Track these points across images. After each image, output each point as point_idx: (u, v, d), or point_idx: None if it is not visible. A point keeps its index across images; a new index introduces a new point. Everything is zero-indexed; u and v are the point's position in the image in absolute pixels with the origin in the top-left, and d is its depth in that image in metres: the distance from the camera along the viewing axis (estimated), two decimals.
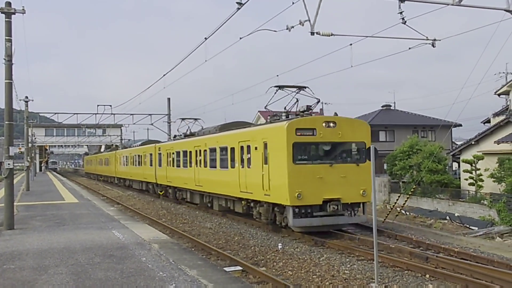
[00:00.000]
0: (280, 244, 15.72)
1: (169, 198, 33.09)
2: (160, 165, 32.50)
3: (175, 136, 32.68)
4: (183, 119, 31.17)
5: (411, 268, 12.09)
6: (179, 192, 29.43)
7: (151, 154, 35.35)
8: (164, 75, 29.24)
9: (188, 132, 29.84)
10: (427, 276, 11.49)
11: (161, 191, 34.00)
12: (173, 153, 29.28)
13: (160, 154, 32.73)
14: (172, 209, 27.86)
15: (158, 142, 38.31)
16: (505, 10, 13.37)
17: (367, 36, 16.33)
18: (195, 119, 31.19)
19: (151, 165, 35.14)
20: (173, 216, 24.71)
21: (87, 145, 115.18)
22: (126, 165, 45.90)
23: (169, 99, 54.45)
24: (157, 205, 29.98)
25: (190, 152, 25.91)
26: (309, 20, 13.33)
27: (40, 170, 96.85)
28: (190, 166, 25.73)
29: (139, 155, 39.91)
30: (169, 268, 10.28)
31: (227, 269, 11.77)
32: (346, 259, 13.48)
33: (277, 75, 26.68)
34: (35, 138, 76.37)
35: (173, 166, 29.24)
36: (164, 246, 13.02)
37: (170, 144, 30.97)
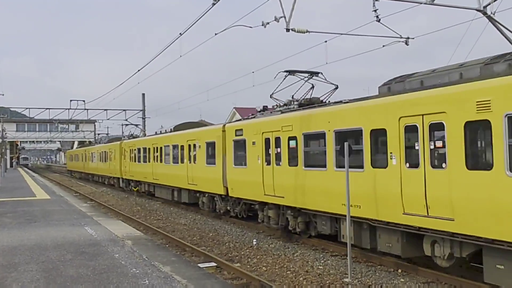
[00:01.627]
0: (255, 240, 15.74)
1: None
2: (242, 163, 17.62)
3: (264, 108, 17.73)
4: (289, 72, 16.55)
5: (383, 263, 12.23)
6: (302, 215, 14.84)
7: (210, 144, 20.48)
8: (138, 70, 28.85)
9: (300, 100, 16.01)
10: (399, 271, 11.64)
11: (135, 187, 33.56)
12: (292, 138, 14.63)
13: (240, 142, 17.71)
14: (147, 205, 27.65)
15: (200, 124, 26.11)
16: (476, 10, 13.60)
17: (341, 34, 16.42)
18: (313, 74, 16.71)
19: (210, 162, 20.39)
20: (148, 212, 24.54)
21: (60, 141, 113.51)
22: (145, 161, 30.46)
23: (143, 94, 54.02)
24: (131, 202, 29.71)
25: (384, 132, 11.15)
26: (285, 17, 13.35)
27: (11, 166, 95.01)
28: (382, 166, 11.25)
29: (177, 147, 24.60)
30: (142, 265, 10.20)
31: (201, 265, 11.73)
32: (320, 255, 13.57)
33: (253, 72, 26.66)
34: (5, 134, 74.88)
35: (292, 164, 14.63)
36: (137, 243, 12.90)
37: (278, 119, 15.53)
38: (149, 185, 30.41)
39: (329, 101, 15.50)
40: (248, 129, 17.28)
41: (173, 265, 10.37)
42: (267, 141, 15.90)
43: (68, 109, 54.70)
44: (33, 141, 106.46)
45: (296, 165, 14.28)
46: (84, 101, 53.99)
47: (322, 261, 12.87)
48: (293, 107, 15.74)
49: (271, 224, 16.31)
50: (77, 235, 13.96)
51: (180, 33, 18.15)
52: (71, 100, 54.24)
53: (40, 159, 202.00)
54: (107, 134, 69.41)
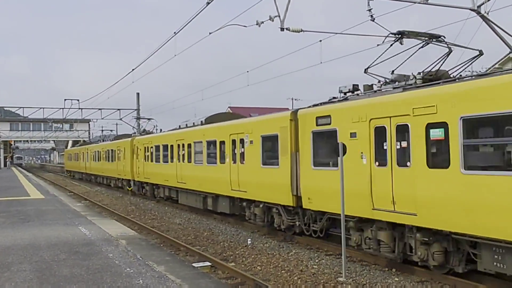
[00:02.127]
0: (249, 239, 15.72)
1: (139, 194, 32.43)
2: (328, 164, 13.20)
3: (354, 88, 13.44)
4: (403, 33, 12.38)
5: (378, 263, 12.24)
6: (442, 242, 10.44)
7: (269, 138, 15.78)
8: (133, 69, 28.92)
9: (423, 73, 11.59)
10: (394, 270, 11.65)
11: (129, 187, 33.42)
12: (436, 125, 10.05)
13: (326, 134, 13.26)
14: (141, 205, 27.58)
15: (237, 116, 21.33)
16: (470, 9, 13.63)
17: (336, 33, 16.41)
18: (433, 37, 12.41)
19: (269, 162, 15.82)
20: (142, 212, 24.48)
21: (54, 140, 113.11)
22: (166, 161, 25.20)
23: (138, 93, 53.98)
24: (125, 201, 29.63)
25: None
26: (279, 16, 13.34)
27: (5, 165, 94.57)
28: None
29: (215, 143, 19.59)
30: (136, 264, 10.17)
31: (195, 264, 11.73)
32: (315, 254, 13.57)
33: (247, 71, 26.67)
34: None
35: (436, 165, 10.13)
36: (132, 242, 12.87)
37: (402, 99, 10.98)
38: (171, 190, 25.47)
39: (460, 75, 11.24)
40: (340, 114, 12.64)
41: (167, 264, 10.35)
42: (380, 130, 11.33)
43: (62, 108, 54.50)
44: (27, 141, 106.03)
45: (446, 167, 9.62)
46: (78, 100, 53.83)
47: (316, 260, 12.87)
48: (414, 83, 11.39)
49: (383, 251, 11.62)
50: (71, 235, 13.90)
51: (174, 32, 18.17)
52: (65, 99, 54.08)
53: (34, 158, 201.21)
54: (111, 131, 63.09)
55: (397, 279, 11.00)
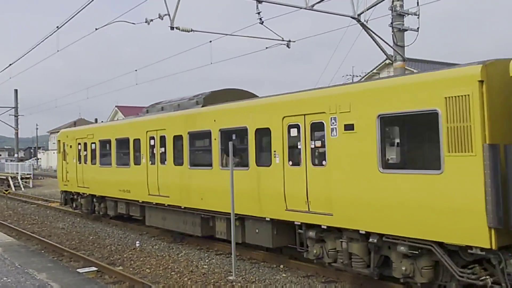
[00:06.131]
0: (137, 242, 15.37)
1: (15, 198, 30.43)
2: None
3: None
4: None
5: (267, 260, 12.56)
6: None
7: None
8: (10, 64, 26.97)
9: None
10: (282, 266, 12.02)
11: (6, 190, 31.29)
12: None
13: None
14: (20, 209, 25.86)
15: None
16: (351, 17, 14.47)
17: (226, 34, 16.61)
18: None
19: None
20: (21, 216, 22.98)
21: None
22: None
23: (16, 90, 50.90)
24: (1, 206, 27.59)
25: None
26: (169, 15, 13.20)
27: None
28: None
29: None
30: (14, 273, 9.52)
31: (80, 270, 11.24)
32: (205, 254, 13.60)
33: (136, 70, 26.01)
34: None
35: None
36: (9, 249, 12.03)
37: None
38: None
39: None
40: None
41: (50, 271, 9.82)
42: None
43: None
44: None
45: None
46: None
47: (207, 260, 12.90)
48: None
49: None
50: None
51: (57, 27, 17.26)
52: None
53: None
54: None
55: (284, 275, 11.35)
